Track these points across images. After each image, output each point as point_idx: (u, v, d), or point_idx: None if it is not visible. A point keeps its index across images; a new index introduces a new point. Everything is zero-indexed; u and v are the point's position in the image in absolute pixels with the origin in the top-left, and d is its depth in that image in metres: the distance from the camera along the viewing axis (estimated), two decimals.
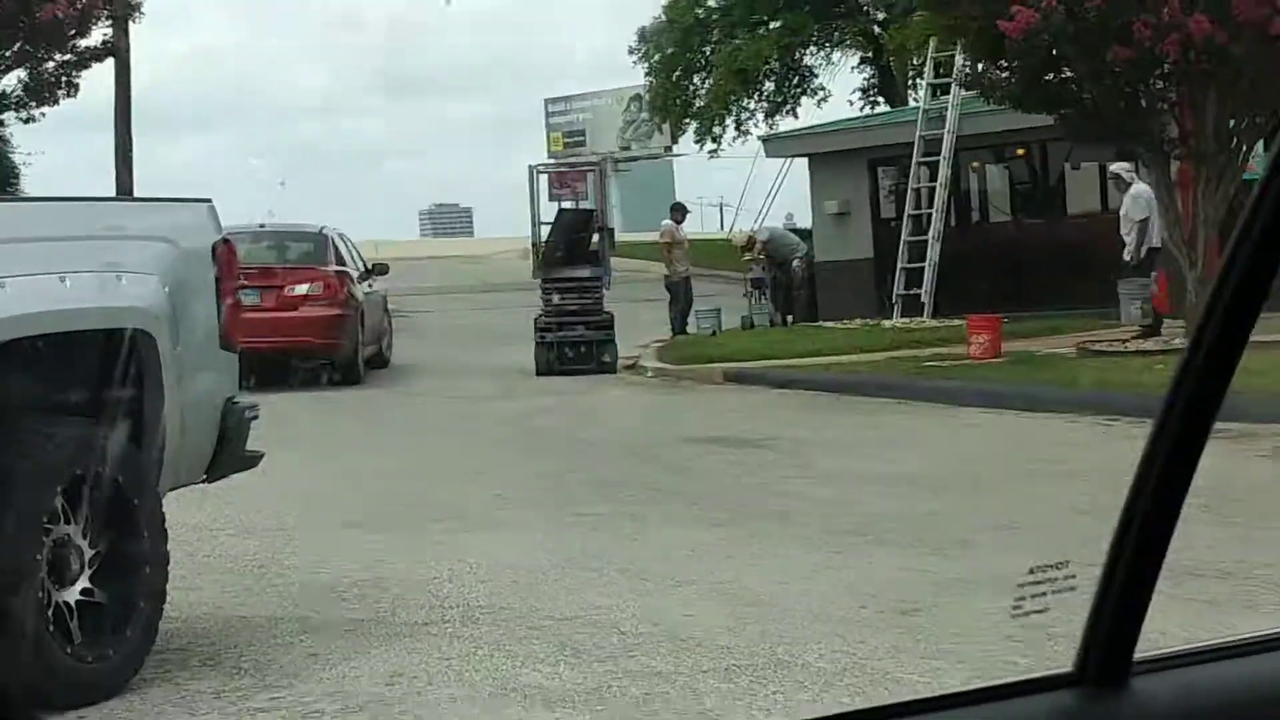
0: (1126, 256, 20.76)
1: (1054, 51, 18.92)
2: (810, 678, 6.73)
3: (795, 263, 29.37)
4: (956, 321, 22.57)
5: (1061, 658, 6.01)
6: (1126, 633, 1.76)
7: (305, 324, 20.48)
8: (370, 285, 23.54)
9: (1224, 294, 1.65)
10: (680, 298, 27.95)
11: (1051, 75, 19.63)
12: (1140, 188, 20.93)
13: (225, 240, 7.78)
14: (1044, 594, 2.00)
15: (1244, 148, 19.42)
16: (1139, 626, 1.77)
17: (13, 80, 25.91)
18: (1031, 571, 2.04)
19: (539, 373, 22.22)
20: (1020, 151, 29.58)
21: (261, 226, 23.55)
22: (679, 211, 29.81)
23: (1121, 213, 21.00)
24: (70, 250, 7.01)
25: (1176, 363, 1.70)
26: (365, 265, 24.08)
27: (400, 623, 7.88)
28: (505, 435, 15.89)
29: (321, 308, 20.90)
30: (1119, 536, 1.74)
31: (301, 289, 21.09)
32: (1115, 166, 21.45)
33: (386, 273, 25.15)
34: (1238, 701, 1.85)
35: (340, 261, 22.49)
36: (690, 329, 27.32)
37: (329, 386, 20.58)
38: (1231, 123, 19.02)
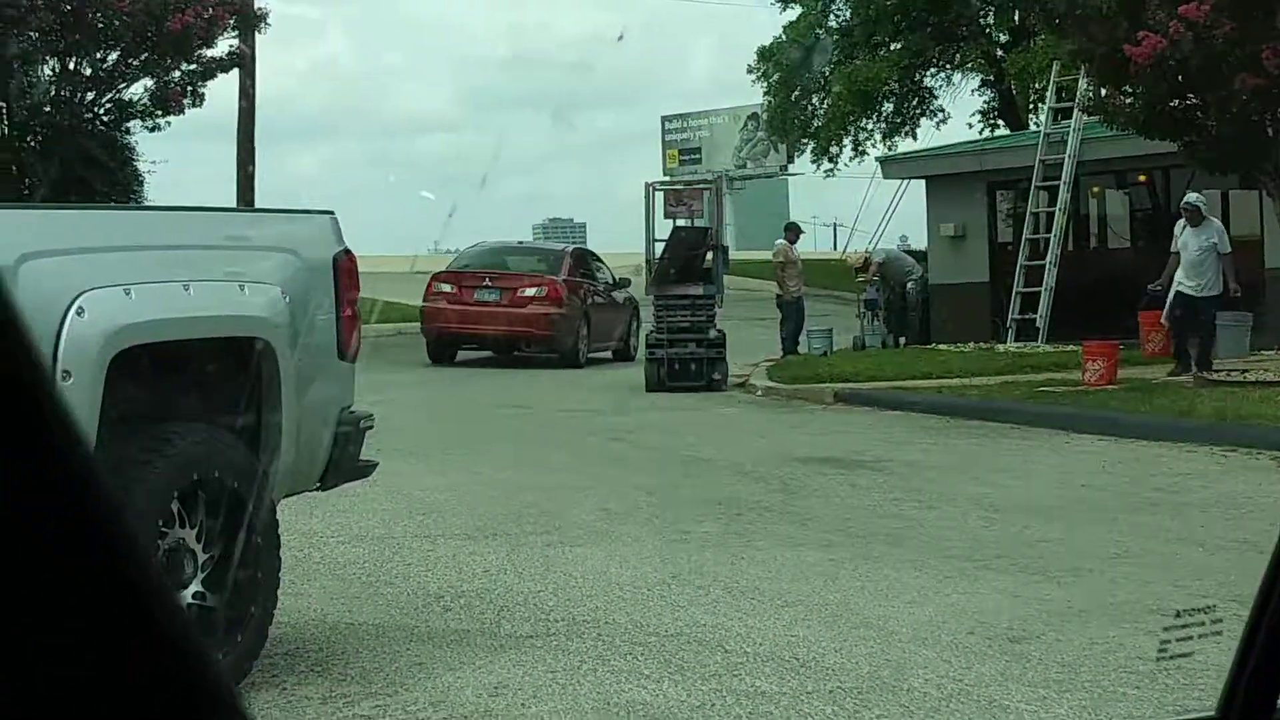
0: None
1: (1180, 78, 18.73)
2: (915, 702, 6.69)
3: (910, 284, 29.26)
4: (1072, 347, 22.35)
5: (1175, 691, 5.93)
6: (1273, 675, 1.73)
7: (529, 319, 26.44)
8: (615, 293, 29.26)
9: None
10: (792, 317, 27.94)
11: (1176, 102, 19.44)
12: (1216, 223, 20.70)
13: (346, 251, 7.85)
14: (1190, 638, 1.97)
15: None
16: None
17: (139, 89, 26.30)
18: (1178, 615, 2.01)
19: (649, 389, 22.27)
20: (1142, 178, 29.29)
21: (520, 243, 30.39)
22: (793, 231, 29.78)
23: (1206, 244, 20.26)
24: (194, 259, 7.11)
25: None
26: (613, 278, 29.61)
27: (505, 635, 7.91)
28: (615, 450, 15.92)
29: (544, 307, 26.55)
30: (1271, 576, 1.70)
31: (529, 291, 26.78)
32: (1191, 198, 20.90)
33: (629, 285, 29.38)
34: None
35: (578, 273, 28.08)
36: (801, 349, 27.29)
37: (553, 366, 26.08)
38: None
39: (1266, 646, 1.70)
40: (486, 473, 14.00)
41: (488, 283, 26.91)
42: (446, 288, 27.05)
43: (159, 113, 26.42)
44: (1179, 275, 20.20)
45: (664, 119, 63.92)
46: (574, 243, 38.02)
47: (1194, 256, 20.11)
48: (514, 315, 26.41)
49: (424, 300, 27.00)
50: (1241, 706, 1.71)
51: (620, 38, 68.14)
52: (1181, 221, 20.49)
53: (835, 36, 43.31)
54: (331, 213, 8.20)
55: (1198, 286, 20.04)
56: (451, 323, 26.57)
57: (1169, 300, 20.49)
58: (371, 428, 8.13)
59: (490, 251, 28.74)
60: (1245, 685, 1.71)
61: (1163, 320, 20.84)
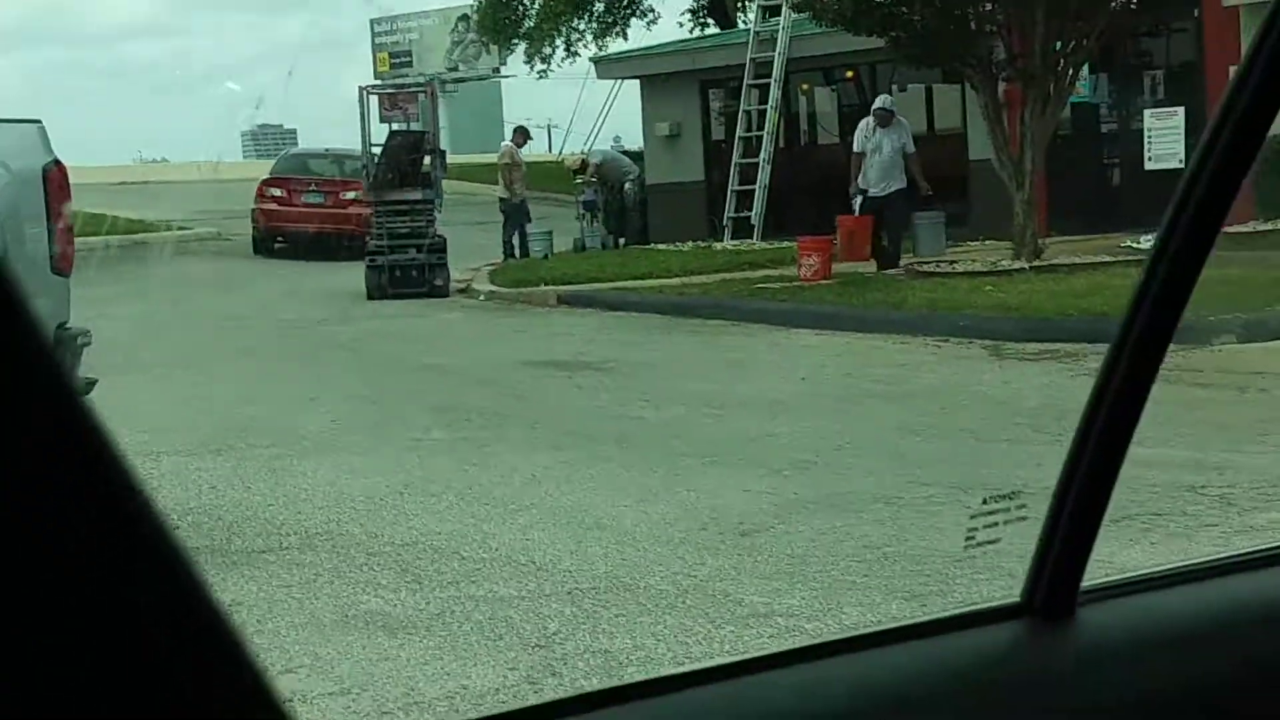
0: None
1: None
2: (652, 599, 6.77)
3: (627, 185, 29.40)
4: (787, 244, 22.72)
5: (902, 578, 6.09)
6: (1073, 564, 1.76)
7: (349, 218, 28.47)
8: None
9: (1179, 222, 1.63)
10: (516, 220, 27.88)
11: None
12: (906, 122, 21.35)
13: (56, 162, 7.58)
14: (996, 524, 2.00)
15: (1071, 71, 19.71)
16: (1086, 558, 1.76)
17: None
18: (984, 502, 2.04)
19: (370, 297, 22.04)
20: (849, 74, 29.76)
21: (327, 150, 32.58)
22: (521, 134, 29.69)
23: (898, 144, 20.97)
24: None
25: (1132, 290, 1.68)
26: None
27: (237, 550, 7.80)
28: (339, 359, 15.75)
29: (361, 208, 27.21)
30: (1069, 468, 1.73)
31: (349, 195, 29.21)
32: (883, 100, 21.47)
33: None
34: (1183, 628, 1.87)
35: None
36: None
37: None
38: (1059, 45, 19.28)
39: (1066, 534, 1.73)
40: (209, 386, 13.74)
41: (313, 187, 30.79)
42: (276, 192, 30.73)
43: None
44: (870, 178, 20.79)
45: (372, 21, 62.90)
46: (288, 149, 37.62)
47: (887, 158, 20.77)
48: (336, 215, 29.41)
49: (255, 203, 30.75)
50: (1045, 592, 1.75)
51: None
52: (867, 123, 21.00)
53: None
54: (39, 121, 7.91)
55: (884, 187, 20.77)
56: (284, 221, 30.29)
57: (860, 206, 21.02)
58: (89, 344, 7.91)
59: (306, 158, 32.83)
60: (1049, 571, 1.74)
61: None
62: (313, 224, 29.55)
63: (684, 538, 7.74)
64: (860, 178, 21.08)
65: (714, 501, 8.53)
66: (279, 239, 30.37)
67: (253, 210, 30.87)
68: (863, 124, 21.28)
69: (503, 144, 29.43)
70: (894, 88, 28.85)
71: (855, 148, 20.98)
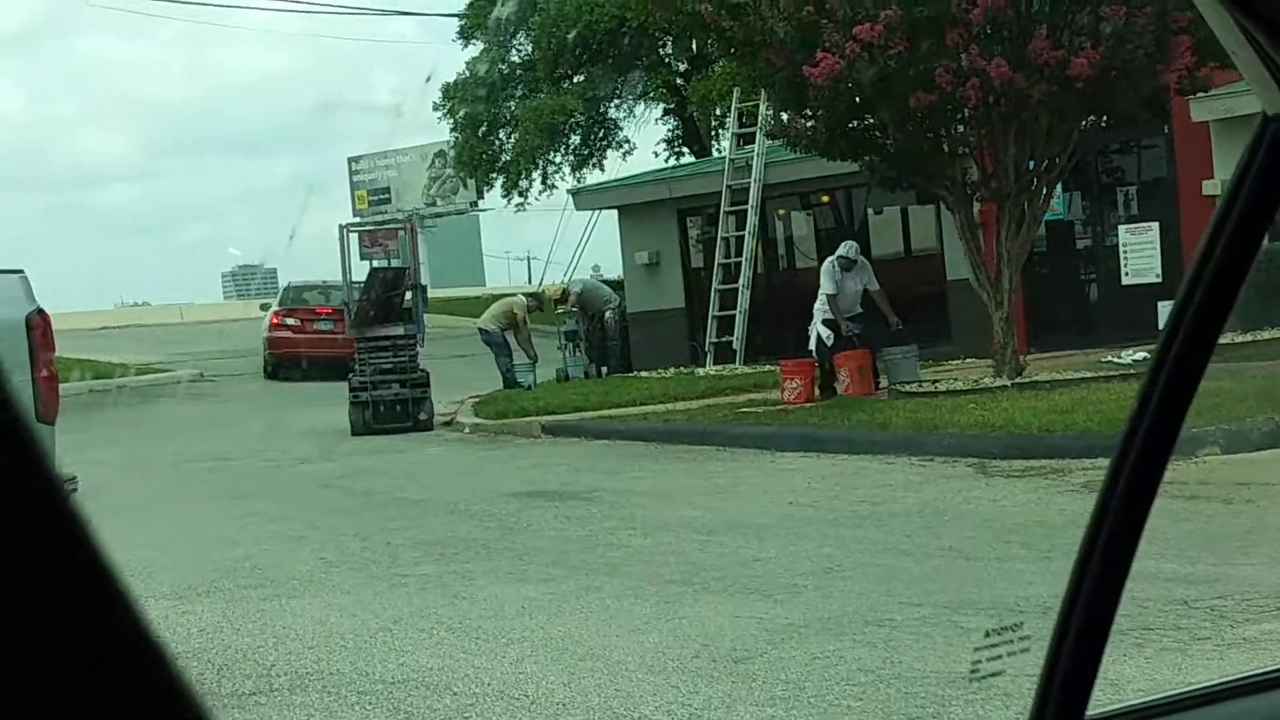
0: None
1: (857, 99, 19.23)
2: None
3: (608, 314, 29.49)
4: (769, 367, 22.79)
5: (898, 701, 6.07)
6: (1078, 692, 1.76)
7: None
8: None
9: (1177, 336, 1.66)
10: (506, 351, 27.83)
11: (855, 122, 19.94)
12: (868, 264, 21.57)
13: (39, 310, 7.62)
14: (1000, 655, 2.00)
15: (1044, 189, 19.90)
16: (1092, 683, 1.76)
17: None
18: (987, 635, 2.05)
19: (355, 433, 22.06)
20: (825, 198, 30.02)
21: (324, 282, 34.44)
22: (535, 300, 29.90)
23: (860, 286, 21.13)
24: None
25: (1131, 406, 1.70)
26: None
27: (227, 693, 7.74)
28: (326, 497, 15.71)
29: None
30: (1073, 588, 1.73)
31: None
32: (847, 250, 21.59)
33: None
34: None
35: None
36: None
37: None
38: (1031, 164, 19.48)
39: (1072, 658, 1.73)
40: (195, 528, 13.70)
41: (323, 316, 33.85)
42: (291, 321, 34.30)
43: None
44: (836, 312, 20.90)
45: (350, 160, 63.33)
46: (267, 292, 38.83)
47: (850, 296, 20.95)
48: (345, 340, 29.44)
49: (269, 331, 34.16)
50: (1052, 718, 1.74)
51: (428, 79, 68.06)
52: (834, 265, 21.13)
53: (519, 71, 43.53)
54: (21, 271, 7.96)
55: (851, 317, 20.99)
56: (298, 348, 33.51)
57: (822, 335, 21.02)
58: (75, 490, 7.88)
59: (308, 290, 35.54)
60: (1055, 697, 1.74)
61: (811, 346, 21.27)
62: (324, 349, 32.41)
63: (677, 666, 7.70)
64: (838, 316, 21.10)
65: (706, 629, 8.49)
66: (292, 364, 33.34)
67: (266, 338, 34.37)
68: (828, 265, 21.41)
69: (519, 298, 29.44)
70: (870, 210, 29.12)
71: (829, 290, 21.08)
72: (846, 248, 21.48)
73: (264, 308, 37.00)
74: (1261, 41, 1.52)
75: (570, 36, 40.95)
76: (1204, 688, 2.01)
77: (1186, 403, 1.70)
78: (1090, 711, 1.77)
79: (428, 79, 71.21)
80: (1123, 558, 1.72)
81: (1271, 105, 1.59)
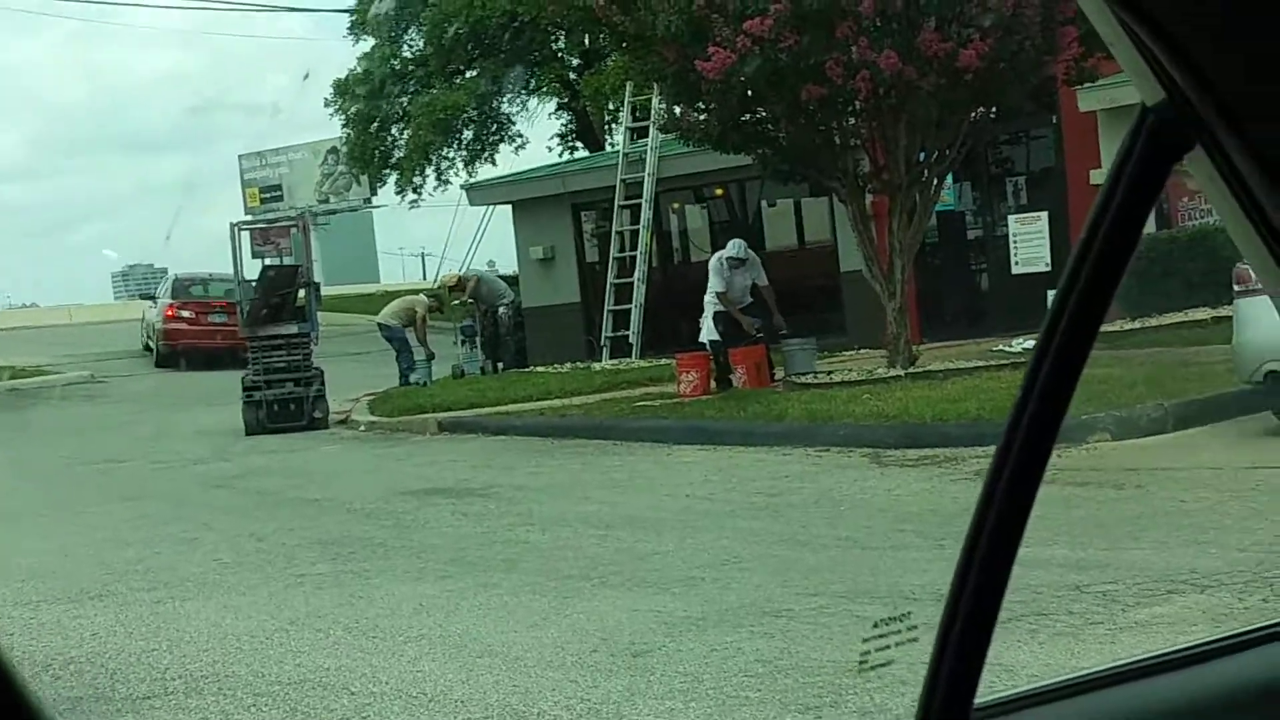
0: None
1: (749, 92, 19.29)
2: None
3: (502, 309, 29.39)
4: (666, 361, 22.83)
5: (796, 691, 6.09)
6: (966, 681, 1.76)
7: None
8: None
9: (1059, 324, 1.67)
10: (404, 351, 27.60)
11: (747, 116, 20.01)
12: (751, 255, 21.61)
13: None
14: (888, 646, 2.00)
15: (935, 180, 20.06)
16: (979, 673, 1.76)
17: None
18: (875, 625, 2.05)
19: (249, 432, 21.87)
20: (719, 191, 30.11)
21: (210, 275, 36.13)
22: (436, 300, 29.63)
23: (747, 281, 21.23)
24: None
25: (1015, 395, 1.71)
26: None
27: (121, 698, 7.65)
28: (220, 498, 15.56)
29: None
30: (959, 579, 1.73)
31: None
32: (735, 249, 21.66)
33: None
34: None
35: None
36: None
37: None
38: (922, 155, 19.63)
39: (959, 649, 1.74)
40: (86, 532, 13.52)
41: (217, 308, 34.98)
42: (186, 314, 35.98)
43: None
44: (729, 306, 20.95)
45: (241, 157, 62.75)
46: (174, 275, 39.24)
47: (738, 292, 21.01)
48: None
49: (164, 323, 35.88)
50: (939, 712, 1.74)
51: (306, 77, 67.60)
52: (722, 262, 21.18)
53: (411, 67, 43.31)
54: None
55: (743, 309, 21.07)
56: (194, 339, 35.31)
57: (711, 326, 21.06)
58: None
59: (194, 284, 37.08)
60: (943, 686, 1.74)
61: (703, 339, 21.26)
62: (217, 339, 34.08)
63: (576, 661, 7.69)
64: (736, 312, 21.09)
65: (604, 623, 8.49)
66: (186, 354, 35.20)
67: (161, 329, 36.12)
68: (716, 263, 21.43)
69: (422, 297, 29.17)
70: (763, 203, 29.24)
71: (718, 287, 21.10)
72: (734, 247, 21.53)
73: (145, 297, 38.79)
74: (1139, 32, 1.53)
75: (461, 31, 40.82)
76: (1094, 672, 2.03)
77: (1070, 390, 1.71)
78: (979, 699, 1.78)
79: (305, 76, 70.85)
80: (1008, 546, 1.73)
81: (1150, 95, 1.60)
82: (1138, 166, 1.62)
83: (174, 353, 35.57)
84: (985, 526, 1.71)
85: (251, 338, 23.01)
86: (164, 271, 40.35)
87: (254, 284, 23.77)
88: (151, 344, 37.84)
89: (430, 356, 27.49)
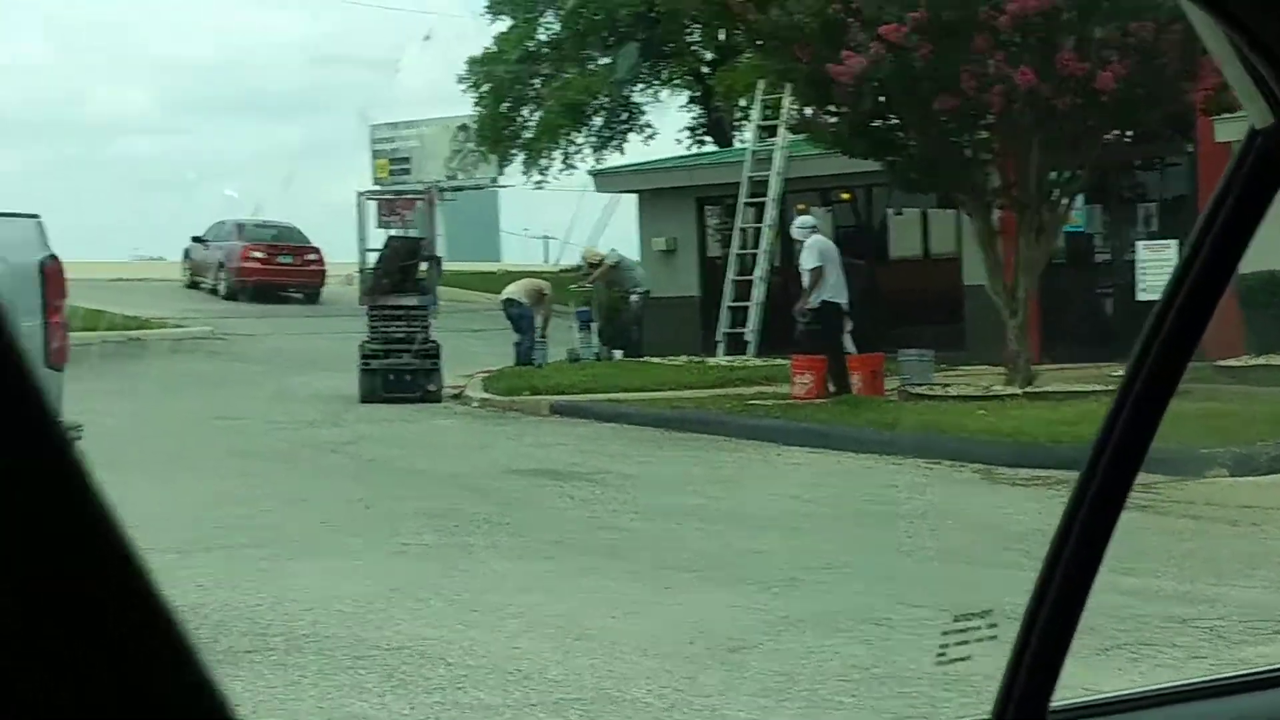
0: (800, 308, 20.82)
1: (881, 98, 19.21)
2: (639, 713, 6.75)
3: (634, 296, 29.31)
4: (781, 361, 22.78)
5: (889, 700, 6.06)
6: (1043, 684, 1.77)
7: (312, 273, 40.55)
8: None
9: (1153, 345, 1.67)
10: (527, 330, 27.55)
11: (878, 122, 19.92)
12: (815, 239, 21.14)
13: (53, 256, 7.63)
14: (966, 642, 2.01)
15: (1064, 201, 19.86)
16: (1056, 677, 1.77)
17: None
18: (955, 619, 2.06)
19: (363, 400, 22.03)
20: (845, 196, 29.99)
21: (266, 221, 41.78)
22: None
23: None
24: None
25: (1106, 412, 1.71)
26: None
27: (222, 650, 7.75)
28: (331, 462, 15.73)
29: (319, 265, 40.64)
30: (1039, 589, 1.74)
31: (310, 256, 40.80)
32: (795, 225, 21.45)
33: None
34: None
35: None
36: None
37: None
38: (1053, 175, 19.44)
39: (1038, 651, 1.74)
40: (200, 485, 13.72)
41: (284, 250, 40.23)
42: (258, 254, 39.68)
43: None
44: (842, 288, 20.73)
45: (373, 128, 63.17)
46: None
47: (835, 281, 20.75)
48: (302, 270, 40.14)
49: (240, 261, 39.27)
50: (1015, 712, 1.75)
51: (427, 37, 68.82)
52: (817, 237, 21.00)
53: (545, 50, 43.51)
54: (37, 216, 7.97)
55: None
56: (265, 276, 38.94)
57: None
58: (79, 439, 7.90)
59: (266, 227, 41.37)
60: (1019, 689, 1.75)
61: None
62: (283, 278, 39.60)
63: (671, 652, 7.71)
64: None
65: (702, 616, 8.51)
66: (259, 290, 38.42)
67: (235, 267, 39.48)
68: (821, 244, 21.11)
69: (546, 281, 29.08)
70: (890, 211, 29.09)
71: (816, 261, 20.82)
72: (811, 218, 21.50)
73: (197, 240, 41.53)
74: (1249, 55, 1.52)
75: (598, 17, 40.95)
76: (1168, 688, 2.02)
77: (1160, 410, 1.71)
78: (1054, 704, 1.79)
79: (426, 37, 71.76)
80: (1088, 565, 1.73)
81: (1259, 118, 1.59)
82: (1243, 190, 1.61)
83: (245, 288, 38.74)
84: (1070, 539, 1.71)
85: (372, 306, 23.18)
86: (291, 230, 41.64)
87: (378, 253, 23.94)
88: (205, 281, 40.90)
89: (545, 339, 27.54)
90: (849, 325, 20.76)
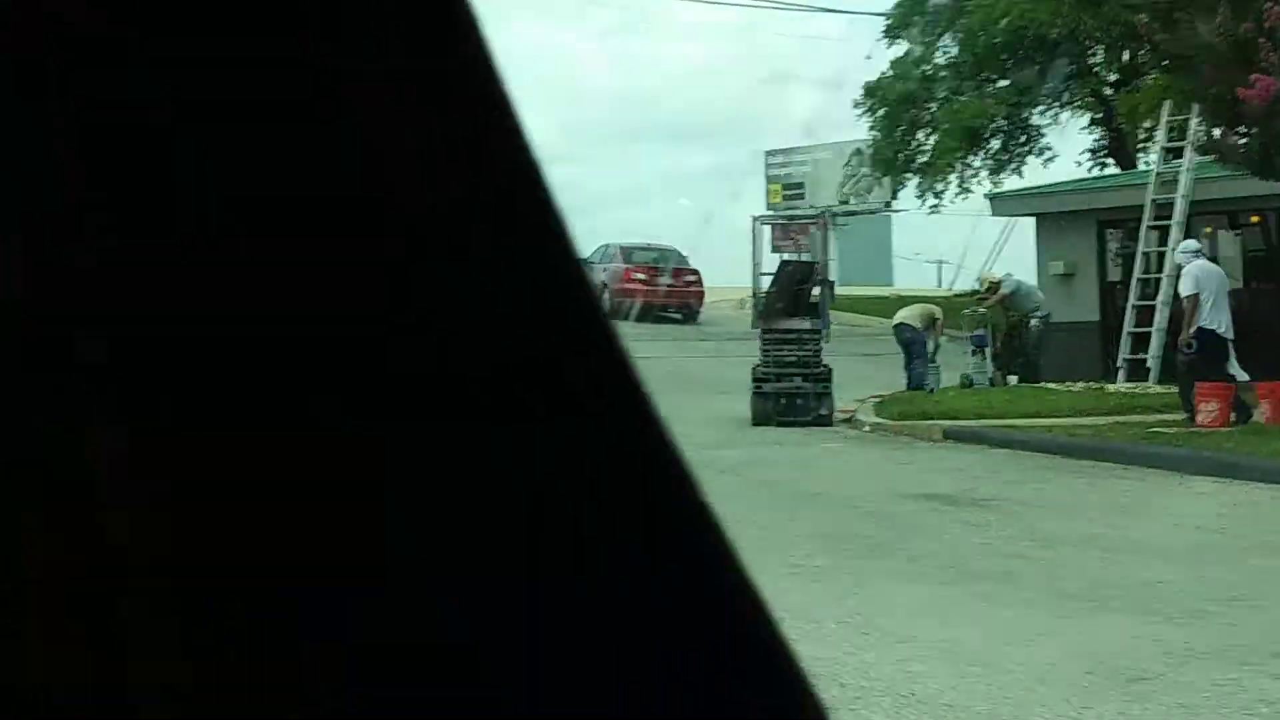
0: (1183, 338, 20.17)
1: None
2: None
3: (1034, 321, 28.78)
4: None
5: None
6: None
7: (691, 294, 43.85)
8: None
9: None
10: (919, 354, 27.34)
11: None
12: (1194, 264, 20.35)
13: None
14: None
15: None
16: None
17: None
18: None
19: (755, 422, 22.23)
20: (1255, 219, 28.93)
21: (648, 244, 45.05)
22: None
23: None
24: None
25: None
26: None
27: None
28: (724, 483, 15.88)
29: (697, 285, 44.07)
30: None
31: (689, 276, 43.80)
32: (1178, 250, 20.74)
33: None
34: None
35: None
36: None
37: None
38: None
39: None
40: None
41: (663, 272, 42.44)
42: (641, 276, 42.33)
43: None
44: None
45: (767, 154, 63.76)
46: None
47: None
48: (681, 290, 42.68)
49: (622, 282, 41.35)
50: None
51: (868, 57, 70.61)
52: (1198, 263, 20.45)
53: (942, 73, 43.22)
54: None
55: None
56: (645, 297, 40.87)
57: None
58: None
59: (643, 250, 44.36)
60: None
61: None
62: (663, 299, 41.88)
63: (1069, 680, 7.56)
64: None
65: (1101, 646, 8.31)
66: (640, 308, 40.58)
67: (618, 288, 41.44)
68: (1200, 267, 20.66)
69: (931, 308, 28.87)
70: None
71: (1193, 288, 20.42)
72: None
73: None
74: None
75: (997, 40, 40.47)
76: None
77: None
78: None
79: (867, 57, 72.32)
80: None
81: None
82: None
83: (627, 308, 40.55)
84: None
85: (765, 330, 23.37)
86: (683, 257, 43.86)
87: (771, 277, 24.14)
88: None
89: (937, 365, 27.28)
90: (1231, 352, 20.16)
